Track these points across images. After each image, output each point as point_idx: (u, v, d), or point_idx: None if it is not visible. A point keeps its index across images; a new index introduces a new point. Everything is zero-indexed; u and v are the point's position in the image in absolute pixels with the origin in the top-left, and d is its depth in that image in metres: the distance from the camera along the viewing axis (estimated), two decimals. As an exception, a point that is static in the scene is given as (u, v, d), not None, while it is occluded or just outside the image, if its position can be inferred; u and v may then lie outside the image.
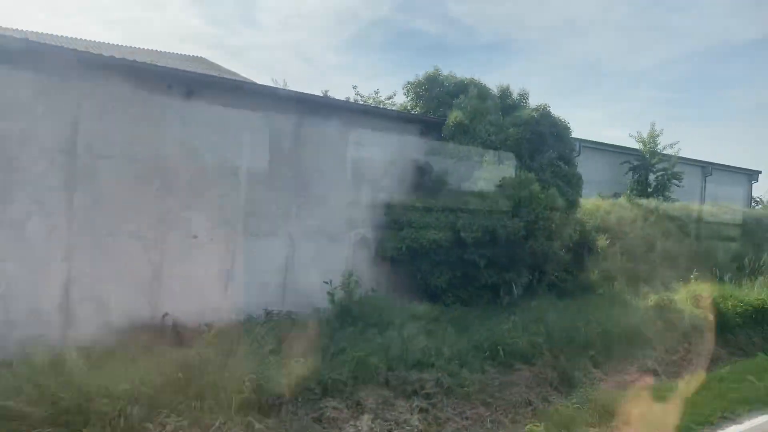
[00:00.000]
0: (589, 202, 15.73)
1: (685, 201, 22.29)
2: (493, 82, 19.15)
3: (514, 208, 10.51)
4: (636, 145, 25.84)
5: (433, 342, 8.08)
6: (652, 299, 12.07)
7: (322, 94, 15.38)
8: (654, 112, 74.43)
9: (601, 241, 13.88)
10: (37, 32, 14.78)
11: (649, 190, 24.47)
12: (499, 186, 10.81)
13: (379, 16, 72.88)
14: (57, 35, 15.62)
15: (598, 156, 25.14)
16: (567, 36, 74.00)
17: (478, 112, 11.62)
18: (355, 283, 9.59)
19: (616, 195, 21.54)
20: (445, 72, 12.96)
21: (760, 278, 14.71)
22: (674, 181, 25.17)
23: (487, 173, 10.90)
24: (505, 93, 12.78)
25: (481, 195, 10.56)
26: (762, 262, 16.10)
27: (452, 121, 11.58)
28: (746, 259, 16.24)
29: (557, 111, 15.47)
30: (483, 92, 12.34)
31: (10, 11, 47.68)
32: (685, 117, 74.46)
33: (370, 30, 72.50)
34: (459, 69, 67.32)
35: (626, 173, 25.56)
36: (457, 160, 11.14)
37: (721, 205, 21.41)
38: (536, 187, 10.80)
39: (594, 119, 72.69)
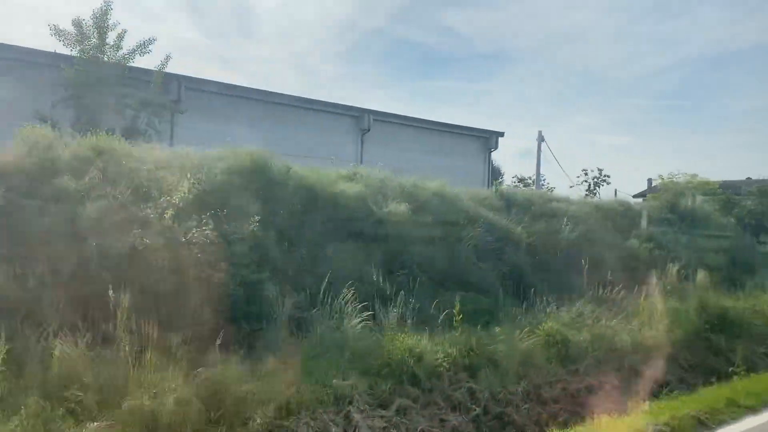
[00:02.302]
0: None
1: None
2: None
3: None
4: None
5: None
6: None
7: None
8: (651, 118, 74.47)
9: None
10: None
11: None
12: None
13: (376, 26, 74.28)
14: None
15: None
16: (563, 44, 76.50)
17: None
18: None
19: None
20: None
21: None
22: (154, 119, 14.91)
23: None
24: None
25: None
26: None
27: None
28: None
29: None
30: None
31: (7, 26, 44.75)
32: (683, 124, 75.50)
33: (368, 41, 74.86)
34: (456, 78, 70.86)
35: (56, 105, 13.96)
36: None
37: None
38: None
39: (591, 126, 72.91)
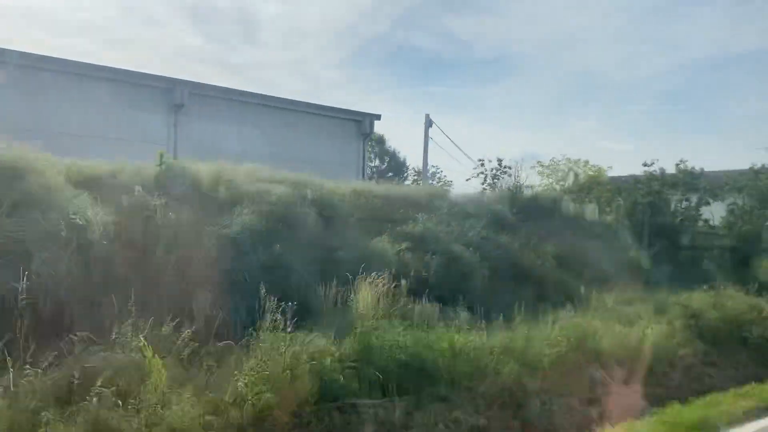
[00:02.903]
0: None
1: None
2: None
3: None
4: None
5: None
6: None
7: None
8: (652, 122, 72.44)
9: None
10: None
11: None
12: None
13: (378, 32, 74.54)
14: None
15: None
16: (564, 49, 74.87)
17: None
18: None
19: None
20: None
21: None
22: None
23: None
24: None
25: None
26: None
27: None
28: None
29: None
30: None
31: (9, 31, 44.04)
32: (684, 127, 72.99)
33: (370, 46, 74.18)
34: (457, 83, 71.37)
35: None
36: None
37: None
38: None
39: (592, 130, 70.80)
